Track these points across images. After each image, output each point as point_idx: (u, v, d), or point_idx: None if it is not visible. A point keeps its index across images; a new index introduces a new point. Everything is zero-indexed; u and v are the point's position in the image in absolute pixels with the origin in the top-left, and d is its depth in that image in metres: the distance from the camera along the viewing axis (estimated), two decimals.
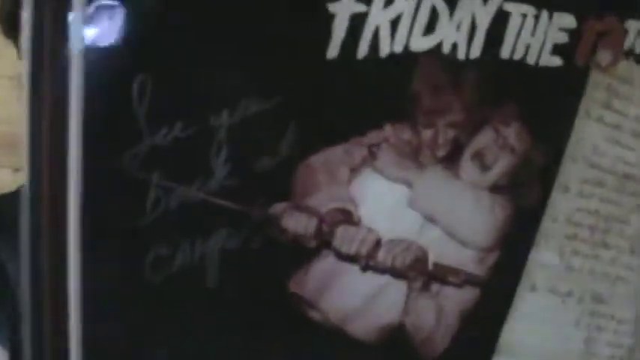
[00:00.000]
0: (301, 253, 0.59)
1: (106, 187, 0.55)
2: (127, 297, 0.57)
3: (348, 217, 0.59)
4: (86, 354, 0.56)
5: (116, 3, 0.53)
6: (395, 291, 0.61)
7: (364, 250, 0.59)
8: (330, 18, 0.55)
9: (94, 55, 0.52)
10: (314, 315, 0.60)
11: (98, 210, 0.55)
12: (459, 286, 0.62)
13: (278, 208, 0.58)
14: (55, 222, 0.54)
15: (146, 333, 0.58)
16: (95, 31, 0.52)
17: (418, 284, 0.61)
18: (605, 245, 0.65)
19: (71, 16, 0.52)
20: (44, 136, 0.53)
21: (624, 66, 0.62)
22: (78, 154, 0.54)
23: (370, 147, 0.59)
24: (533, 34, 0.59)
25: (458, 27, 0.58)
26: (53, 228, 0.54)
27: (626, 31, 0.61)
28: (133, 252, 0.56)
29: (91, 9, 0.52)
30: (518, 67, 0.59)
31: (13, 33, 0.55)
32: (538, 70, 0.60)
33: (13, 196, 0.56)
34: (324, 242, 0.59)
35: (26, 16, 0.52)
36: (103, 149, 0.54)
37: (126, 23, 0.53)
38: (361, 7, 0.56)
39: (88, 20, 0.52)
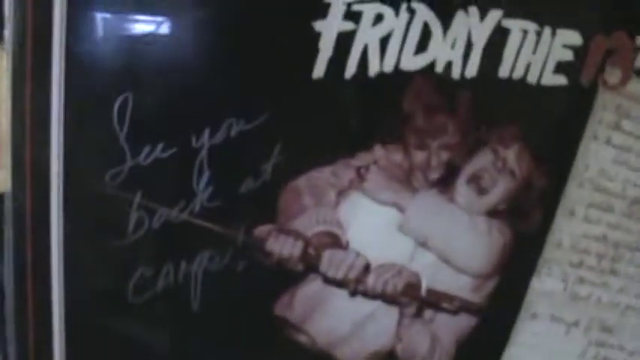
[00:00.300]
0: (287, 276, 0.58)
1: (88, 207, 0.54)
2: (111, 317, 0.57)
3: (335, 241, 0.57)
4: None
5: (98, 21, 0.52)
6: (386, 316, 0.59)
7: (352, 275, 0.58)
8: (316, 37, 0.53)
9: (76, 74, 0.52)
10: (301, 339, 0.59)
11: (80, 230, 0.54)
12: (455, 313, 0.60)
13: (262, 230, 0.56)
14: (38, 243, 0.54)
15: (130, 353, 0.58)
16: (77, 49, 0.52)
17: (411, 310, 0.59)
18: (614, 273, 0.61)
19: (53, 32, 0.51)
20: (27, 155, 0.53)
21: (635, 85, 0.58)
22: (59, 173, 0.53)
23: (359, 169, 0.57)
24: (534, 51, 0.56)
25: (452, 45, 0.55)
26: (36, 253, 0.54)
27: (636, 48, 0.57)
28: (117, 273, 0.56)
29: (73, 26, 0.52)
30: (519, 86, 0.56)
31: None
32: (540, 90, 0.57)
33: None
34: (310, 266, 0.57)
35: (7, 34, 0.51)
36: (84, 170, 0.53)
37: (107, 41, 0.52)
38: (349, 25, 0.53)
39: (70, 37, 0.52)
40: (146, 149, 0.53)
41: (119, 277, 0.56)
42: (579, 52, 0.57)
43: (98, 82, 0.52)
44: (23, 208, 0.53)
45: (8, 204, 0.54)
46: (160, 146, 0.53)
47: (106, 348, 0.57)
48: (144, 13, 0.52)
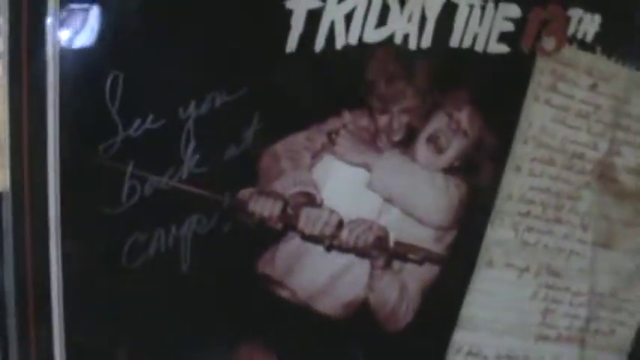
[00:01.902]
0: (268, 235, 0.63)
1: (83, 178, 0.58)
2: (107, 282, 0.61)
3: (311, 200, 0.63)
4: (69, 339, 0.60)
5: (89, 6, 0.57)
6: (359, 269, 0.65)
7: (328, 231, 0.63)
8: (288, 14, 0.59)
9: (69, 56, 0.56)
10: (283, 293, 0.64)
11: (77, 200, 0.59)
12: (420, 263, 0.66)
13: (245, 193, 0.62)
14: (36, 214, 0.58)
15: (126, 316, 0.62)
16: (69, 32, 0.56)
17: (381, 262, 0.65)
18: (559, 221, 0.68)
19: (47, 19, 0.56)
20: (24, 133, 0.57)
21: (568, 51, 0.66)
22: (56, 148, 0.57)
23: (330, 133, 0.63)
24: (480, 23, 0.63)
25: (409, 19, 0.61)
26: (34, 222, 0.58)
27: (568, 19, 0.65)
28: (112, 239, 0.60)
29: (65, 12, 0.56)
30: (468, 54, 0.63)
31: None
32: (487, 57, 0.64)
33: None
34: (289, 224, 0.63)
35: (3, 19, 0.56)
36: (79, 143, 0.58)
37: (98, 25, 0.57)
38: (317, 3, 0.59)
39: (63, 22, 0.56)
40: (137, 122, 0.58)
41: (114, 244, 0.60)
42: (519, 23, 0.64)
43: (89, 63, 0.57)
44: (21, 187, 0.58)
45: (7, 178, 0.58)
46: (149, 118, 0.59)
47: (103, 312, 0.61)
48: None
